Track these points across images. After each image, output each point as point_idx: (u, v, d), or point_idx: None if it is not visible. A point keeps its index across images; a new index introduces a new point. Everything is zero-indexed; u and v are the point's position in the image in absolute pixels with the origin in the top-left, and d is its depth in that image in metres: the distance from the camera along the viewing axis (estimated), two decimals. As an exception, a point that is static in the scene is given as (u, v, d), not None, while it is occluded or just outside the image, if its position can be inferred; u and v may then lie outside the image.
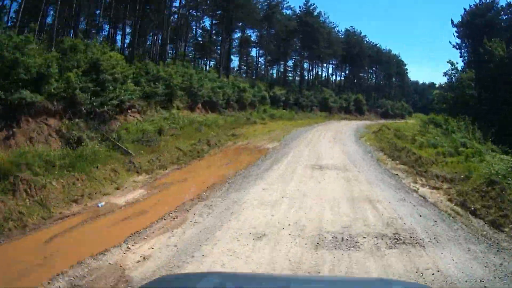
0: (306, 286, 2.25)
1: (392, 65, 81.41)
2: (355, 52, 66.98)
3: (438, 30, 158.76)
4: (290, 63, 65.25)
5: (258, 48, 59.64)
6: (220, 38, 47.49)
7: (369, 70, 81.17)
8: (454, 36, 50.85)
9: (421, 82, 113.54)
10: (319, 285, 2.34)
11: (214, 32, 49.34)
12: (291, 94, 49.17)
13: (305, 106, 50.95)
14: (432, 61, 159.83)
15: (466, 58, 46.90)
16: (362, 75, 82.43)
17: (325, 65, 72.20)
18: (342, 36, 68.73)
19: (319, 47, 53.62)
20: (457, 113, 28.11)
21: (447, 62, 45.90)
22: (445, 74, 42.88)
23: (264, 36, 56.22)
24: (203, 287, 1.93)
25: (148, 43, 40.12)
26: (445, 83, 44.63)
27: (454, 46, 48.06)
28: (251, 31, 54.94)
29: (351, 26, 71.20)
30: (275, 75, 63.57)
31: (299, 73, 65.99)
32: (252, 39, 56.71)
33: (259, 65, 64.43)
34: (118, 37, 35.53)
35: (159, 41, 36.02)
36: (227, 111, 33.95)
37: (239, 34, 53.68)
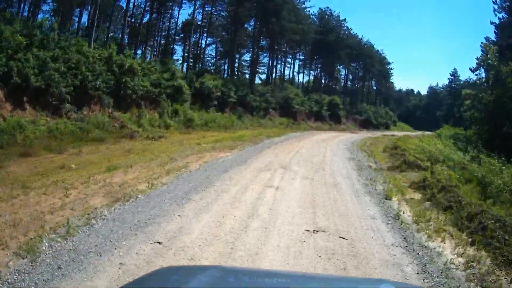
0: (306, 284, 2.15)
1: (374, 63, 65.64)
2: (331, 39, 50.50)
3: (418, 31, 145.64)
4: (247, 57, 49.18)
5: (205, 34, 42.74)
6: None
7: (345, 68, 65.05)
8: (496, 10, 34.38)
9: (396, 88, 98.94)
10: (319, 282, 2.24)
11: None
12: (235, 88, 31.86)
13: (257, 108, 33.88)
14: (410, 65, 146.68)
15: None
16: (339, 74, 66.42)
17: (290, 60, 55.59)
18: (315, 19, 52.35)
19: (279, 21, 36.55)
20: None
21: (481, 45, 29.59)
22: (479, 65, 26.39)
23: (211, 15, 39.45)
24: (204, 280, 1.88)
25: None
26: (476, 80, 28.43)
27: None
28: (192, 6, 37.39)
29: (327, 7, 54.63)
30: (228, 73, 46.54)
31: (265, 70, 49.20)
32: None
33: (207, 57, 47.46)
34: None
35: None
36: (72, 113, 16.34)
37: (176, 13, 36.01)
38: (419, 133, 59.89)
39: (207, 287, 1.78)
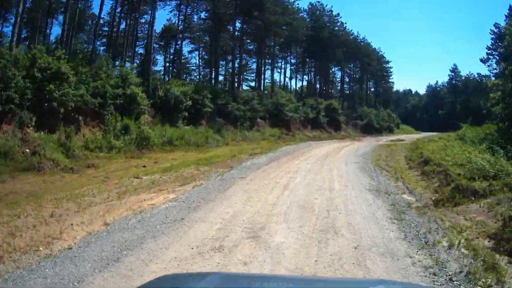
0: (305, 286, 2.22)
1: (372, 62, 60.27)
2: (325, 36, 45.06)
3: (413, 25, 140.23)
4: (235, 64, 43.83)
5: (187, 41, 37.65)
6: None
7: (341, 69, 59.54)
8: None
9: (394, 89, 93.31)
10: (318, 285, 2.30)
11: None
12: (211, 96, 26.05)
13: (241, 118, 28.12)
14: (406, 64, 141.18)
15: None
16: (335, 77, 61.05)
17: (281, 64, 50.19)
18: (306, 16, 46.98)
19: (263, 13, 31.03)
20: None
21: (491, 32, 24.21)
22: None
23: (190, 20, 34.28)
24: (204, 287, 1.89)
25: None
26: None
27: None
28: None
29: (318, 1, 49.17)
30: (213, 81, 40.95)
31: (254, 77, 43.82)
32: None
33: (191, 66, 42.19)
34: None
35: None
36: None
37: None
38: (426, 134, 54.52)
39: None
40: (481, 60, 51.38)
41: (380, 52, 65.01)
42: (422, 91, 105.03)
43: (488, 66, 51.25)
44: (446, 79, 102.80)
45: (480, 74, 73.57)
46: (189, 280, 2.18)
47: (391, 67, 69.22)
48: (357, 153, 20.50)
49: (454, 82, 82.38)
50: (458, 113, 75.31)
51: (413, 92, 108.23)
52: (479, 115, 64.38)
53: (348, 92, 64.78)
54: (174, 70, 36.04)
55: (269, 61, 48.51)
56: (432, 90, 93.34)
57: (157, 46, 35.82)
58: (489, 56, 50.13)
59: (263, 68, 42.91)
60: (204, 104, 24.63)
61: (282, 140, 28.62)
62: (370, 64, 59.18)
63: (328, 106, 41.96)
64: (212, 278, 2.08)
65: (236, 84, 34.56)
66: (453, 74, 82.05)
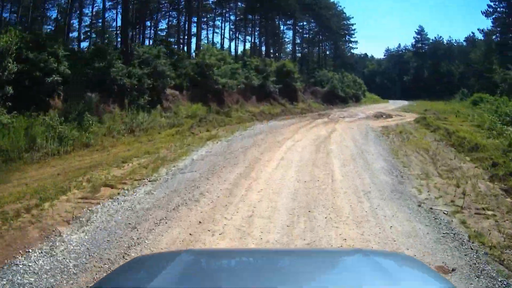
0: (279, 259, 2.20)
1: (332, 17, 49.59)
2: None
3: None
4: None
5: None
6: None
7: (293, 27, 48.32)
8: None
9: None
10: (294, 257, 2.29)
11: None
12: (67, 52, 14.15)
13: (133, 90, 16.41)
14: (361, 30, 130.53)
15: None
16: (285, 37, 49.98)
17: (220, 23, 38.45)
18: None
19: None
20: None
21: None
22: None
23: None
24: (177, 266, 1.85)
25: None
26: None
27: None
28: None
29: None
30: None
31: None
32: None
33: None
34: None
35: None
36: None
37: None
38: (400, 104, 45.10)
39: (178, 276, 1.72)
40: (483, 13, 43.03)
41: (339, 7, 54.41)
42: (378, 56, 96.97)
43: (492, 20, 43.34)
44: (409, 42, 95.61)
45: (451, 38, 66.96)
46: (162, 260, 2.10)
47: (353, 24, 58.82)
48: (369, 166, 9.84)
49: (420, 45, 74.05)
50: (425, 79, 68.55)
51: (369, 57, 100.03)
52: (452, 82, 56.82)
53: (300, 54, 54.32)
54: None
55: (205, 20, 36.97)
56: (392, 55, 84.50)
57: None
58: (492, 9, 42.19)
59: (196, 29, 31.31)
60: (47, 69, 12.83)
61: (207, 123, 17.42)
62: (329, 19, 48.45)
63: (280, 69, 30.99)
64: (185, 256, 1.97)
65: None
66: (419, 36, 73.36)
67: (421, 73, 68.33)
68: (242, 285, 1.69)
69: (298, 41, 53.65)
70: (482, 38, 52.42)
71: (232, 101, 24.53)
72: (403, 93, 66.06)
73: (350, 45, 60.72)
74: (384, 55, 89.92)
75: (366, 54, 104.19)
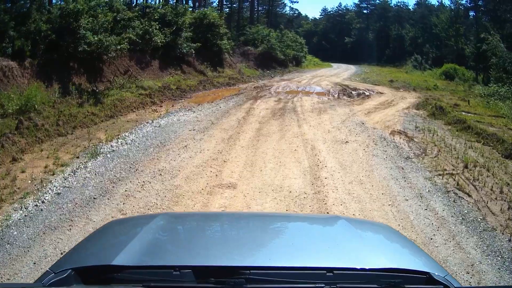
0: (255, 221, 2.22)
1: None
2: None
3: None
4: None
5: None
6: None
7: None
8: None
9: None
10: (272, 220, 2.31)
11: None
12: None
13: None
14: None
15: None
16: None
17: None
18: None
19: None
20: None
21: None
22: None
23: None
24: (151, 228, 1.82)
25: None
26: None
27: None
28: None
29: None
30: None
31: None
32: None
33: None
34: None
35: None
36: None
37: None
38: (349, 70, 38.26)
39: (147, 244, 1.66)
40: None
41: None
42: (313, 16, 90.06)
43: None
44: (351, 2, 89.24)
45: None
46: (136, 223, 2.09)
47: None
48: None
49: (365, 5, 67.34)
50: (370, 42, 62.29)
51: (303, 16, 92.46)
52: (402, 47, 51.01)
53: (229, 10, 44.73)
54: None
55: None
56: (330, 16, 77.50)
57: None
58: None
59: None
60: None
61: (25, 137, 8.07)
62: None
63: (199, 21, 21.64)
64: (160, 220, 1.94)
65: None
66: (364, -4, 66.57)
67: (365, 35, 61.93)
68: (212, 247, 1.67)
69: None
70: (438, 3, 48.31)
71: (115, 72, 15.07)
72: (344, 56, 59.76)
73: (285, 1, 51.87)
74: (321, 15, 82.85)
75: (299, 12, 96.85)
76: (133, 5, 20.00)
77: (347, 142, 8.12)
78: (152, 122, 9.80)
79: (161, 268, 1.52)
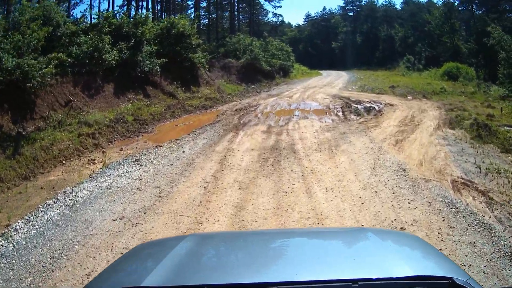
0: (287, 238, 2.19)
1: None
2: None
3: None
4: None
5: None
6: None
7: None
8: None
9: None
10: (300, 236, 2.26)
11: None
12: None
13: None
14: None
15: None
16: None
17: None
18: None
19: None
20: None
21: None
22: None
23: None
24: (179, 250, 1.85)
25: None
26: None
27: None
28: None
29: None
30: None
31: None
32: None
33: None
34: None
35: None
36: None
37: None
38: (331, 75, 35.21)
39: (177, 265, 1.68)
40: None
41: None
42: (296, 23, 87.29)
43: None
44: (335, 5, 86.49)
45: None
46: (165, 245, 2.08)
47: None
48: None
49: (351, 7, 64.57)
50: (359, 46, 59.22)
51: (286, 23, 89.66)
52: (392, 48, 48.15)
53: (208, 21, 41.57)
54: None
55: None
56: (315, 21, 74.61)
57: None
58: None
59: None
60: None
61: None
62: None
63: (166, 31, 18.18)
64: (188, 241, 1.98)
65: None
66: (350, -1, 63.71)
67: (353, 39, 58.99)
68: (245, 267, 1.71)
69: (204, 3, 40.74)
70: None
71: (53, 104, 11.46)
72: (332, 61, 56.77)
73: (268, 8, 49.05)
74: (305, 21, 79.90)
75: (283, 20, 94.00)
76: (79, 17, 16.37)
77: (402, 228, 4.54)
78: (72, 191, 6.18)
79: (190, 287, 1.52)
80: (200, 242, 2.01)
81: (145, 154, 8.24)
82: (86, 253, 4.27)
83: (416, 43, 43.17)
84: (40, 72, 9.80)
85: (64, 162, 8.21)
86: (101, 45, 13.37)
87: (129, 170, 7.08)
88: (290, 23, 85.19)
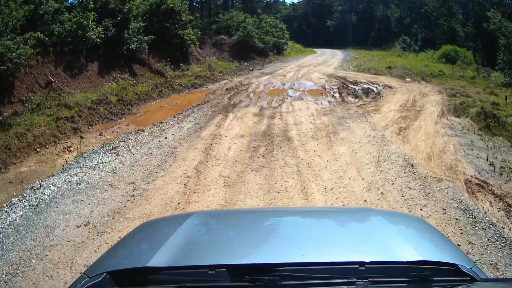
0: (284, 217, 2.18)
1: None
2: None
3: None
4: None
5: None
6: None
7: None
8: None
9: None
10: (304, 215, 2.25)
11: None
12: None
13: None
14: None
15: None
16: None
17: None
18: None
19: None
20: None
21: None
22: None
23: None
24: (185, 228, 1.80)
25: None
26: None
27: None
28: None
29: None
30: None
31: None
32: None
33: None
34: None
35: None
36: None
37: None
38: (325, 54, 34.28)
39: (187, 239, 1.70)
40: None
41: None
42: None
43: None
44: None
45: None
46: (171, 223, 2.03)
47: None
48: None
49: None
50: (354, 25, 57.84)
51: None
52: (388, 28, 47.05)
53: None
54: None
55: None
56: (307, 0, 72.82)
57: None
58: None
59: None
60: None
61: None
62: None
63: (156, 7, 17.14)
64: (194, 218, 1.93)
65: None
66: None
67: (348, 18, 57.87)
68: (250, 242, 1.70)
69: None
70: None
71: (32, 86, 10.65)
72: (327, 40, 55.69)
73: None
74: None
75: None
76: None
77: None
78: (40, 187, 5.49)
79: (196, 268, 1.50)
80: (206, 220, 1.97)
81: (123, 141, 7.52)
82: (43, 270, 3.62)
83: (412, 24, 42.26)
84: (15, 54, 8.95)
85: (38, 150, 7.48)
86: (85, 22, 12.46)
87: (104, 161, 6.38)
88: (284, 1, 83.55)
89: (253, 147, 7.16)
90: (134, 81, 14.01)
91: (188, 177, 5.79)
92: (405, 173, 5.73)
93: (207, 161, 6.42)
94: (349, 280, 1.41)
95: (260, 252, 1.61)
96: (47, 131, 8.28)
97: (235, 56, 24.48)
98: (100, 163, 6.30)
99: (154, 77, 15.13)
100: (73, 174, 5.85)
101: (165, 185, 5.49)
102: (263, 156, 6.64)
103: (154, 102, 12.19)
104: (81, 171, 5.99)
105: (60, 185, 5.49)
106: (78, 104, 10.17)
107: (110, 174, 5.85)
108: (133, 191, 5.31)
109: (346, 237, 1.78)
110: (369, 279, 1.40)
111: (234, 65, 22.46)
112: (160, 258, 1.48)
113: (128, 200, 5.05)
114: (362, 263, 1.44)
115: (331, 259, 1.50)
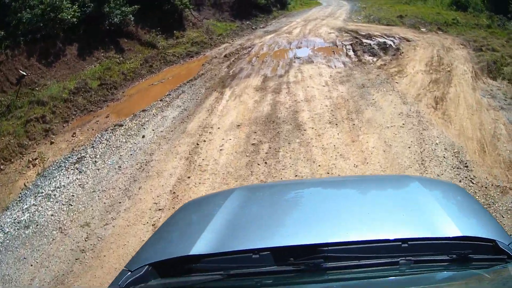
0: (327, 189, 2.14)
1: None
2: None
3: None
4: None
5: None
6: None
7: None
8: None
9: None
10: (347, 184, 2.19)
11: None
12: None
13: None
14: None
15: None
16: None
17: None
18: None
19: None
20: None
21: None
22: None
23: None
24: (225, 210, 1.75)
25: None
26: None
27: None
28: None
29: None
30: None
31: None
32: None
33: None
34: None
35: None
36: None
37: None
38: (331, 4, 31.37)
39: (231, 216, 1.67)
40: None
41: None
42: None
43: None
44: None
45: None
46: (216, 199, 2.02)
47: None
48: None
49: None
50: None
51: None
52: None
53: None
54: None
55: None
56: None
57: None
58: None
59: None
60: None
61: None
62: None
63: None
64: (238, 193, 1.92)
65: None
66: None
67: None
68: (301, 212, 1.68)
69: None
70: None
71: (2, 84, 9.38)
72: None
73: None
74: None
75: None
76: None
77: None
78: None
79: (240, 252, 1.46)
80: (247, 199, 1.90)
81: (93, 146, 6.18)
82: None
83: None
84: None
85: (2, 167, 6.25)
86: (58, 2, 10.91)
87: (62, 184, 5.09)
88: None
89: (252, 144, 5.73)
90: (121, 58, 12.52)
91: (159, 209, 4.40)
92: (460, 181, 4.23)
93: (188, 176, 5.02)
94: (393, 260, 1.35)
95: (303, 231, 1.52)
96: (12, 141, 7.03)
97: (236, 16, 22.51)
98: (58, 187, 5.00)
99: (144, 50, 13.60)
100: (25, 209, 4.60)
101: (127, 228, 4.14)
102: (265, 162, 5.19)
103: (143, 80, 10.78)
104: (35, 202, 4.73)
105: (7, 230, 4.26)
106: (52, 98, 8.87)
107: (65, 208, 4.56)
108: (85, 240, 4.00)
109: (388, 211, 1.66)
110: (412, 258, 1.34)
111: (235, 25, 20.60)
112: (202, 245, 1.43)
113: (76, 259, 3.75)
114: (405, 240, 1.40)
115: (375, 237, 1.44)
